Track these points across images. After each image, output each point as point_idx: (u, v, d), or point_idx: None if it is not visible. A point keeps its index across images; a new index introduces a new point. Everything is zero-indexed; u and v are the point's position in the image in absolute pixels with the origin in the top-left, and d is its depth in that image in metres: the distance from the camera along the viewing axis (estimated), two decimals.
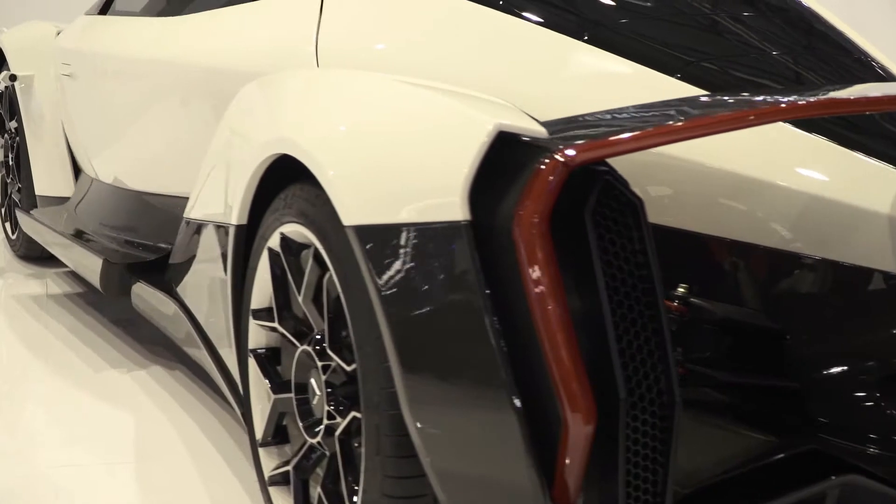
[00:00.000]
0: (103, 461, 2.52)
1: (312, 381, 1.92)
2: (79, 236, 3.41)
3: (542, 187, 1.46)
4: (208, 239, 2.36)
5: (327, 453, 1.89)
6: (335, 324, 1.84)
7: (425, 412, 1.57)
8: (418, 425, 1.58)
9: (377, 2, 2.49)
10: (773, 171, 1.89)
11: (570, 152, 1.47)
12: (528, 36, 2.22)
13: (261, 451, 2.09)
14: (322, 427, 1.88)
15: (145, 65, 3.13)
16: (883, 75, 2.35)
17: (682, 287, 1.83)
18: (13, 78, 4.11)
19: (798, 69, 2.31)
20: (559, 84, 2.15)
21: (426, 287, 1.55)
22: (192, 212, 2.52)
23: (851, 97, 1.96)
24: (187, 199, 2.83)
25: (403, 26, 2.39)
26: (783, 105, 1.72)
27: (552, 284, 1.45)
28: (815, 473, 1.69)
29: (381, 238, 1.61)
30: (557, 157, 1.46)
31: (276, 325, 2.03)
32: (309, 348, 1.92)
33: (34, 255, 4.18)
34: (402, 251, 1.58)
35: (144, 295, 2.83)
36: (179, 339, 2.67)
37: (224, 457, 2.50)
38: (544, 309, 1.45)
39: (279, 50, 2.59)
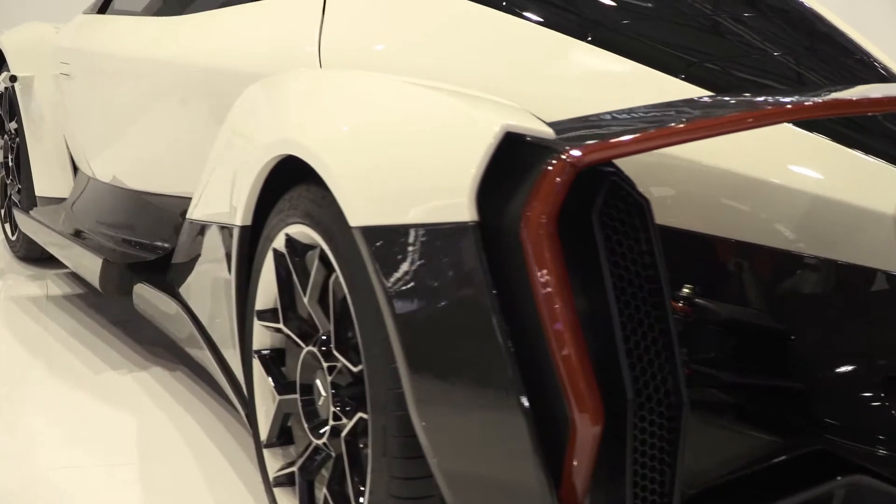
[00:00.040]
0: (105, 462, 2.51)
1: (318, 382, 1.92)
2: (77, 235, 3.40)
3: (549, 188, 1.46)
4: (212, 240, 2.36)
5: (333, 454, 1.89)
6: (341, 325, 1.84)
7: (432, 413, 1.57)
8: (425, 426, 1.57)
9: (380, 2, 2.49)
10: (776, 172, 1.90)
11: (578, 153, 1.47)
12: (533, 37, 2.22)
13: (265, 452, 2.09)
14: (327, 428, 1.88)
15: (145, 64, 3.13)
16: (886, 76, 2.36)
17: (686, 288, 1.83)
18: (13, 79, 4.10)
19: (800, 70, 2.32)
20: (563, 85, 2.15)
21: (433, 288, 1.55)
22: (195, 212, 2.52)
23: (854, 98, 1.96)
24: (185, 198, 2.83)
25: (406, 27, 2.39)
26: (788, 106, 1.72)
27: (560, 285, 1.45)
28: (822, 474, 1.69)
29: (387, 239, 1.61)
30: (565, 158, 1.46)
31: (280, 326, 2.03)
32: (314, 349, 1.91)
33: (34, 256, 4.18)
34: (409, 252, 1.58)
35: (146, 295, 2.83)
36: (181, 340, 2.67)
37: (227, 458, 2.50)
38: (552, 309, 1.45)
39: (281, 50, 2.59)
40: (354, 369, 1.78)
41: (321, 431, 1.90)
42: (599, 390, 1.45)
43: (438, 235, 1.56)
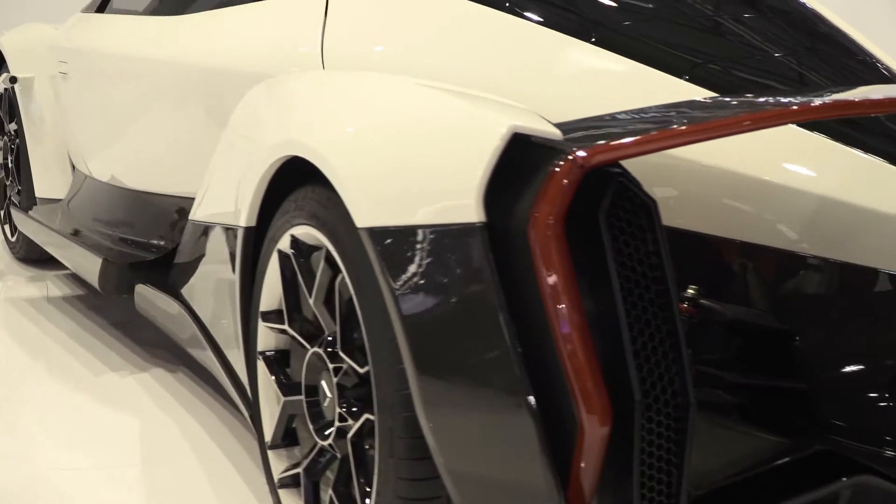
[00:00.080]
0: (107, 464, 2.51)
1: (323, 383, 1.92)
2: (74, 235, 3.40)
3: (556, 189, 1.46)
4: (215, 241, 2.36)
5: (338, 455, 1.89)
6: (347, 326, 1.84)
7: (440, 414, 1.57)
8: (433, 427, 1.57)
9: (383, 3, 2.49)
10: (779, 172, 1.90)
11: (585, 154, 1.47)
12: (536, 38, 2.22)
13: (270, 453, 2.09)
14: (333, 429, 1.88)
15: (144, 64, 3.13)
16: (888, 76, 2.36)
17: (691, 288, 1.83)
18: (13, 80, 4.10)
19: (801, 70, 2.32)
20: (567, 86, 2.15)
21: (441, 289, 1.55)
22: (198, 213, 2.52)
23: (857, 99, 1.96)
24: (184, 198, 2.83)
25: (409, 27, 2.39)
26: (794, 107, 1.72)
27: (567, 286, 1.45)
28: (828, 474, 1.70)
29: (394, 240, 1.61)
30: (572, 159, 1.47)
31: (285, 327, 2.03)
32: (320, 350, 1.91)
33: (34, 257, 4.17)
34: (416, 253, 1.58)
35: (148, 296, 2.82)
36: (183, 341, 2.66)
37: (230, 459, 2.49)
38: (559, 310, 1.45)
39: (283, 51, 2.59)
40: (361, 370, 1.78)
41: (327, 433, 1.90)
42: (607, 391, 1.45)
43: (446, 236, 1.56)
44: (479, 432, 1.55)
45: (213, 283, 2.41)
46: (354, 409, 1.82)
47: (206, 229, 2.43)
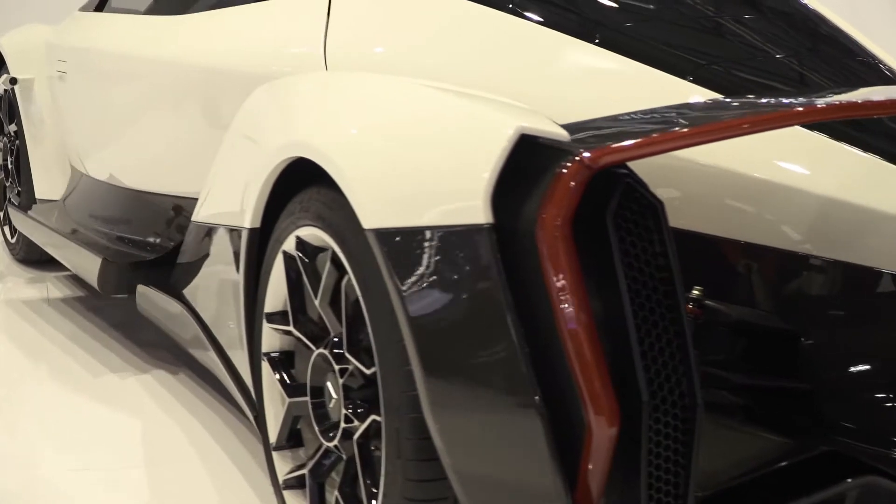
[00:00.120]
0: (108, 466, 2.50)
1: (329, 384, 1.92)
2: (72, 234, 3.39)
3: (564, 190, 1.46)
4: (219, 242, 2.36)
5: (344, 457, 1.89)
6: (353, 327, 1.84)
7: (447, 415, 1.57)
8: (440, 428, 1.57)
9: (386, 3, 2.49)
10: (783, 172, 1.90)
11: (593, 155, 1.47)
12: (540, 39, 2.22)
13: (275, 454, 2.08)
14: (339, 431, 1.87)
15: (143, 63, 3.13)
16: (891, 77, 2.37)
17: (696, 289, 1.84)
18: (13, 81, 4.10)
19: (803, 71, 2.32)
20: (571, 86, 2.15)
21: (448, 290, 1.55)
22: (201, 215, 2.51)
23: (860, 100, 1.97)
24: (183, 198, 2.83)
25: (413, 28, 2.39)
26: (800, 109, 1.73)
27: (575, 287, 1.45)
28: (834, 475, 1.70)
29: (402, 241, 1.61)
30: (579, 160, 1.47)
31: (290, 328, 2.03)
32: (325, 352, 1.91)
33: (34, 258, 4.17)
34: (423, 254, 1.58)
35: (150, 297, 2.82)
36: (186, 342, 2.66)
37: (234, 461, 2.49)
38: (567, 311, 1.45)
39: (285, 51, 2.59)
40: (367, 372, 1.78)
41: (332, 434, 1.90)
42: (614, 392, 1.45)
43: (453, 237, 1.56)
44: (487, 433, 1.55)
45: (217, 284, 2.40)
46: (360, 411, 1.82)
47: (209, 230, 2.43)
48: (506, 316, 1.49)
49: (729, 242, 1.91)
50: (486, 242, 1.51)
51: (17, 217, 3.90)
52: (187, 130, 2.88)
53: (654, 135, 1.54)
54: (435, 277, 1.56)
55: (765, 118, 1.67)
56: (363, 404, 1.82)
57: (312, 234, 1.91)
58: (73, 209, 3.66)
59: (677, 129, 1.58)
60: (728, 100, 1.97)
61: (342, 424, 1.87)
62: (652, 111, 1.77)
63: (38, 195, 4.05)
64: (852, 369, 1.83)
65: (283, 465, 2.07)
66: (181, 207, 2.98)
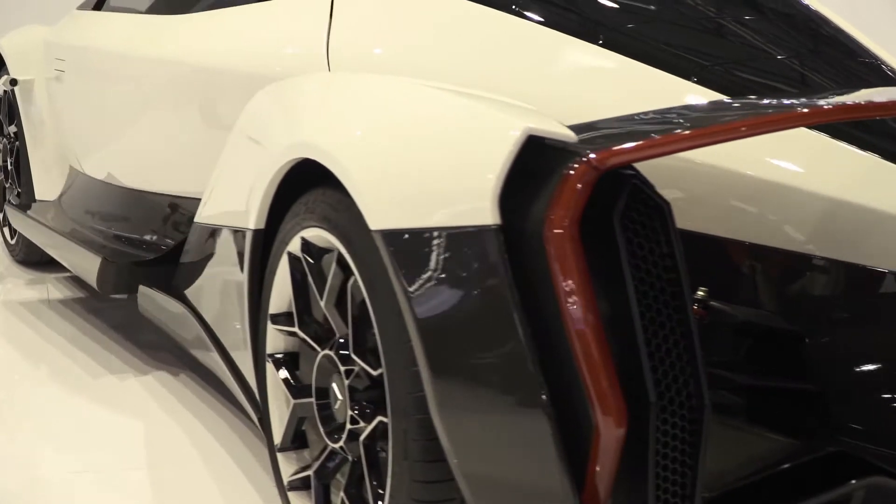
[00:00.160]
0: (109, 467, 2.49)
1: (334, 385, 1.91)
2: (70, 233, 3.39)
3: (571, 191, 1.46)
4: (223, 243, 2.35)
5: (350, 458, 1.89)
6: (359, 328, 1.84)
7: (455, 416, 1.57)
8: (447, 429, 1.57)
9: (388, 4, 2.49)
10: (787, 173, 1.90)
11: (600, 157, 1.47)
12: (543, 40, 2.22)
13: (279, 456, 2.08)
14: (345, 432, 1.87)
15: (143, 62, 3.13)
16: (893, 78, 2.37)
17: (701, 290, 1.84)
18: (13, 82, 4.10)
19: (805, 72, 2.33)
20: (574, 87, 2.15)
21: (456, 291, 1.55)
22: (204, 215, 2.51)
23: (862, 102, 1.97)
24: (182, 197, 2.82)
25: (416, 28, 2.39)
26: (806, 110, 1.73)
27: (582, 288, 1.45)
28: (840, 476, 1.70)
29: (408, 242, 1.61)
30: (587, 161, 1.47)
31: (295, 329, 2.02)
32: (331, 353, 1.91)
33: (33, 260, 4.16)
34: (430, 255, 1.58)
35: (152, 298, 2.82)
36: (188, 343, 2.66)
37: (237, 462, 2.49)
38: (574, 312, 1.45)
39: (287, 51, 2.59)
40: (374, 373, 1.78)
41: (337, 435, 1.90)
42: (622, 393, 1.45)
43: (460, 238, 1.56)
44: (494, 434, 1.55)
45: (220, 285, 2.40)
46: (367, 412, 1.82)
47: (212, 231, 2.43)
48: (513, 317, 1.49)
49: (732, 243, 1.91)
50: (494, 243, 1.52)
51: (14, 216, 3.90)
52: (188, 130, 2.88)
53: (661, 136, 1.54)
54: (442, 278, 1.56)
55: (771, 120, 1.68)
56: (369, 405, 1.82)
57: (318, 235, 1.91)
58: (70, 208, 3.65)
59: (684, 130, 1.58)
60: (733, 101, 1.97)
61: (348, 426, 1.86)
62: (658, 112, 1.77)
63: (38, 196, 4.05)
64: (858, 370, 1.84)
65: (288, 467, 2.07)
66: (180, 207, 2.98)
